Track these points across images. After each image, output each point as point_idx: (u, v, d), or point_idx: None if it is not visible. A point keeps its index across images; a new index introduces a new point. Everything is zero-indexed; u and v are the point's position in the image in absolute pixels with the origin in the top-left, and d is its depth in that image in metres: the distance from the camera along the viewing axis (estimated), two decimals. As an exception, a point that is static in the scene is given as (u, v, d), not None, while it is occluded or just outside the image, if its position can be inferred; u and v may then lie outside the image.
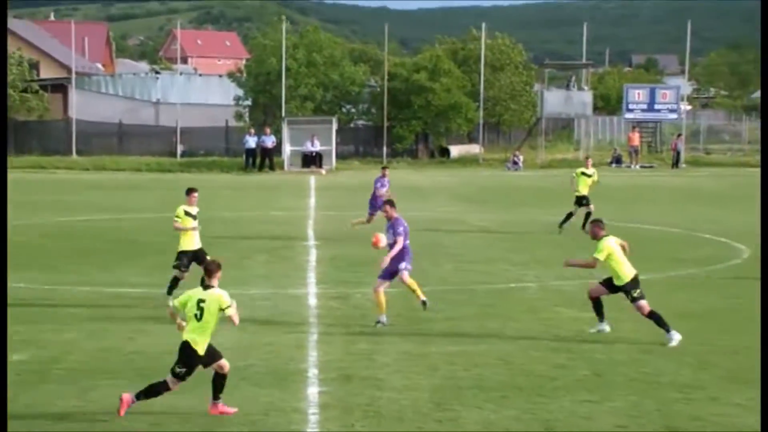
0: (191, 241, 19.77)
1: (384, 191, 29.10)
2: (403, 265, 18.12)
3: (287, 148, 58.47)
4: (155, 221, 33.24)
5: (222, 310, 12.68)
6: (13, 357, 15.29)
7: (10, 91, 64.46)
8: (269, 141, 57.31)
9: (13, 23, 79.98)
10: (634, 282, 16.79)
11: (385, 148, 62.62)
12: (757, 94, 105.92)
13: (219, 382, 12.77)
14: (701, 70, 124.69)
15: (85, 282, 21.88)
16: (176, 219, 19.81)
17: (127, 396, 12.46)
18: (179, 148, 62.84)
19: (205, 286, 12.91)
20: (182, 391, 13.58)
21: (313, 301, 20.27)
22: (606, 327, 17.23)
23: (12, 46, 68.01)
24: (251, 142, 57.57)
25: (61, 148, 63.21)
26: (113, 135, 65.71)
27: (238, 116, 64.86)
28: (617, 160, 63.79)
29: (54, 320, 18.00)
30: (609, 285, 17.01)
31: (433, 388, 13.94)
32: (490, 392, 13.67)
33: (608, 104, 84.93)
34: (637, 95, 67.32)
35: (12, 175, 53.80)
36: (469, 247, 28.17)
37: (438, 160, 63.95)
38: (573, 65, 75.54)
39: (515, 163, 60.85)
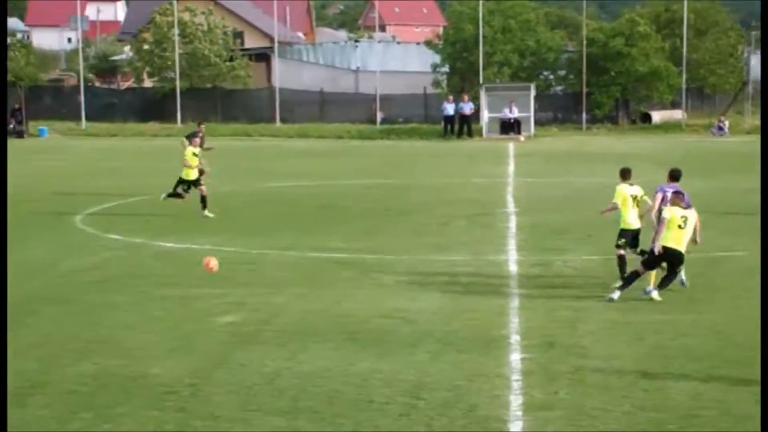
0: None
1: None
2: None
3: (485, 115, 58.32)
4: (357, 187, 33.80)
5: None
6: (225, 318, 15.86)
7: (216, 60, 66.38)
8: (467, 108, 57.29)
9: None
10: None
11: (584, 114, 61.79)
12: None
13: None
14: None
15: (292, 246, 22.44)
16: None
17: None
18: (379, 116, 63.51)
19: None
20: (386, 354, 13.84)
21: (513, 268, 20.25)
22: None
23: (216, 16, 69.94)
24: (449, 109, 57.68)
25: (266, 116, 64.75)
26: (315, 103, 66.90)
27: (436, 83, 65.03)
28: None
29: (264, 284, 18.54)
30: None
31: (638, 357, 13.77)
32: (699, 362, 13.41)
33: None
34: None
35: (220, 142, 55.57)
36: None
37: (639, 126, 62.67)
38: (782, 26, 72.61)
39: (720, 128, 59.10)
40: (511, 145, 52.19)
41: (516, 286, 18.50)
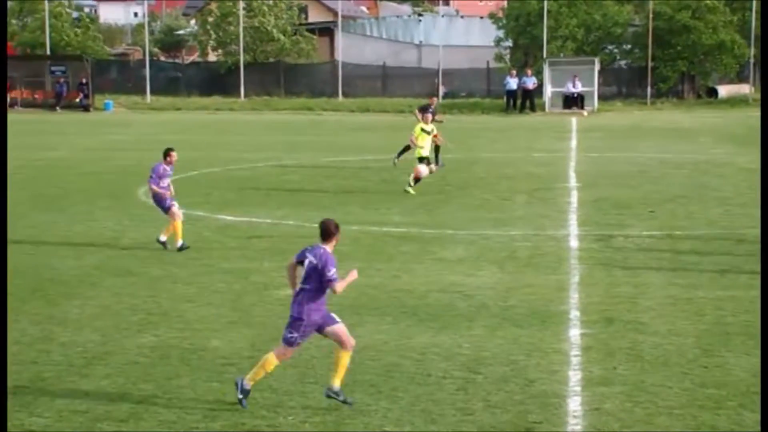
0: None
1: None
2: None
3: (548, 89, 57.93)
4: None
5: None
6: (284, 292, 15.91)
7: (280, 34, 66.58)
8: (530, 82, 56.92)
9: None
10: None
11: (649, 89, 61.12)
12: None
13: None
14: None
15: (352, 220, 22.45)
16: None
17: None
18: (441, 90, 63.34)
19: None
20: (444, 328, 13.84)
21: (574, 243, 20.12)
22: None
23: (282, -10, 70.13)
24: (512, 83, 57.34)
25: (328, 90, 64.86)
26: (377, 77, 66.89)
27: (499, 57, 64.67)
28: None
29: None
30: None
31: (698, 333, 13.65)
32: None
33: None
34: None
35: (282, 116, 55.80)
36: (738, 190, 27.23)
37: (705, 101, 61.87)
38: None
39: (788, 103, 58.18)
40: (573, 120, 51.80)
41: (576, 261, 18.38)
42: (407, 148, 29.31)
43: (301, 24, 71.11)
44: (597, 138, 42.56)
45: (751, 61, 62.02)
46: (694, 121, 50.74)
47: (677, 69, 61.81)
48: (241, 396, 10.86)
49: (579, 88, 57.30)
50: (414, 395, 11.25)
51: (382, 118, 54.80)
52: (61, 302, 15.33)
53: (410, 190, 26.23)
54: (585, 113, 55.58)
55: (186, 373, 12.00)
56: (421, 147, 26.79)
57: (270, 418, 10.62)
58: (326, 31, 72.26)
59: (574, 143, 40.86)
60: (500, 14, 67.11)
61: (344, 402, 10.89)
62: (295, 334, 10.93)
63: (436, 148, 29.38)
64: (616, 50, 65.50)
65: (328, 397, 10.95)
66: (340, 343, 11.07)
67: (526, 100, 57.11)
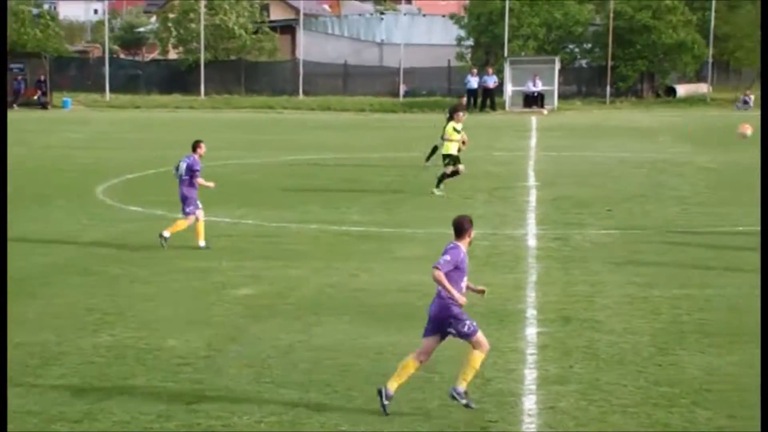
0: None
1: None
2: None
3: (509, 88, 58.14)
4: (378, 160, 33.76)
5: None
6: (242, 291, 15.91)
7: (241, 31, 66.35)
8: (491, 81, 57.10)
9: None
10: None
11: (608, 88, 61.46)
12: None
13: None
14: None
15: (311, 219, 22.46)
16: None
17: None
18: (402, 89, 63.39)
19: None
20: (401, 328, 13.85)
21: (532, 242, 20.22)
22: None
23: (243, -12, 69.96)
24: (473, 82, 57.47)
25: (289, 89, 64.75)
26: (338, 76, 66.85)
27: (460, 56, 64.80)
28: None
29: (281, 257, 18.58)
30: None
31: (654, 331, 13.74)
32: (715, 337, 13.38)
33: None
34: None
35: (242, 115, 55.64)
36: (696, 189, 27.46)
37: (663, 100, 62.31)
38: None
39: (745, 102, 58.64)
40: (534, 119, 52.01)
41: (534, 260, 18.47)
42: (435, 149, 29.28)
43: (262, 22, 70.90)
44: (556, 137, 42.76)
45: (710, 60, 62.48)
46: (653, 120, 51.10)
47: (637, 68, 62.23)
48: (464, 401, 10.64)
49: (539, 87, 57.55)
50: (370, 395, 11.24)
51: (343, 117, 54.79)
52: (17, 302, 15.20)
53: (436, 191, 26.06)
54: (545, 112, 55.82)
55: (141, 373, 11.95)
56: (451, 142, 26.48)
57: (225, 418, 10.59)
58: (288, 29, 72.13)
59: (533, 142, 41.04)
60: (462, 13, 67.22)
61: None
62: (467, 321, 10.78)
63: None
64: (576, 49, 65.83)
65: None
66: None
67: (486, 99, 57.27)
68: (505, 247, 19.68)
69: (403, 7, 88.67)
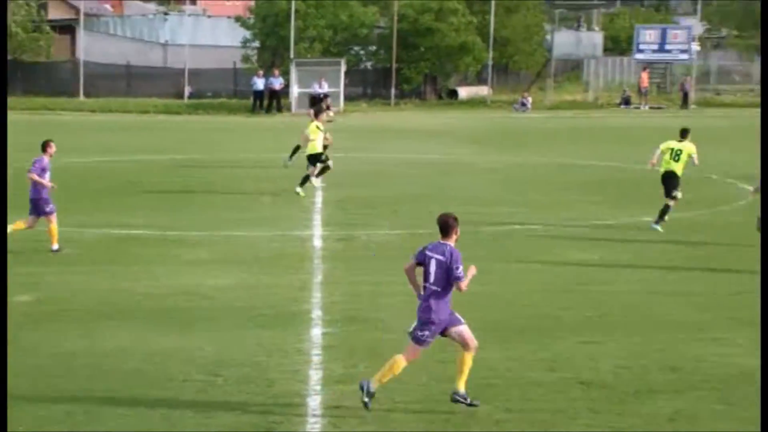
0: None
1: None
2: None
3: (295, 90, 58.27)
4: (162, 163, 33.27)
5: None
6: (20, 298, 15.39)
7: (18, 30, 64.22)
8: (277, 83, 57.12)
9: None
10: None
11: (393, 90, 62.38)
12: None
13: None
14: (714, 10, 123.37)
15: (93, 224, 21.95)
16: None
17: None
18: (187, 90, 62.65)
19: None
20: (187, 331, 13.69)
21: (318, 243, 20.32)
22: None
23: (19, -14, 67.72)
24: (259, 83, 57.36)
25: (69, 90, 63.00)
26: (121, 77, 65.49)
27: (246, 58, 64.54)
28: (626, 101, 63.48)
29: (61, 263, 18.09)
30: None
31: (436, 329, 13.99)
32: (493, 333, 13.72)
33: (618, 45, 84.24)
34: (648, 36, 66.69)
35: (18, 116, 53.80)
36: (476, 189, 28.15)
37: (445, 102, 63.68)
38: (585, 5, 74.70)
39: (523, 104, 60.59)
40: (320, 121, 52.13)
41: (320, 261, 18.57)
42: (298, 148, 29.12)
43: (41, 21, 68.77)
44: (342, 138, 42.98)
45: (490, 63, 64.19)
46: (436, 121, 52.12)
47: (420, 70, 63.37)
48: (366, 399, 10.66)
49: (325, 88, 57.87)
50: (154, 399, 11.08)
51: (127, 119, 53.74)
52: None
53: (299, 191, 26.09)
54: (331, 113, 56.10)
55: None
56: (314, 141, 26.87)
57: None
58: (68, 28, 70.15)
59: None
60: (247, 15, 66.93)
61: (471, 405, 10.74)
62: (427, 333, 10.77)
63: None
64: (362, 51, 66.51)
65: (455, 401, 10.76)
66: (464, 345, 10.87)
67: (272, 101, 57.28)
68: (292, 248, 19.71)
69: (188, 7, 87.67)
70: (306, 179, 26.52)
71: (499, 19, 64.13)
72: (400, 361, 10.90)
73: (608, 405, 10.76)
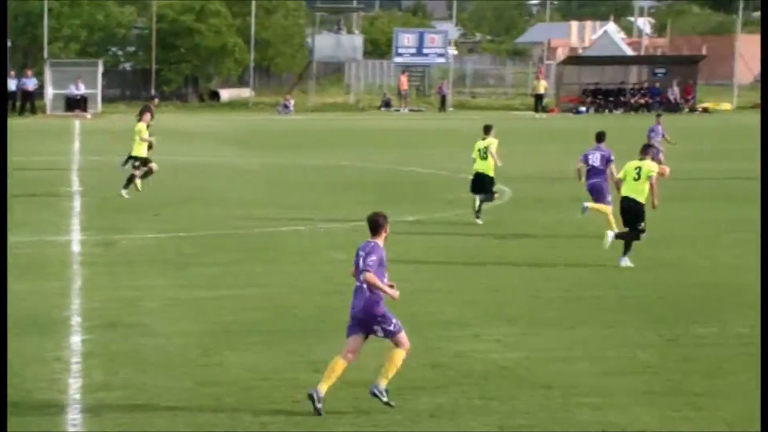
0: None
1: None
2: None
3: (50, 91, 56.58)
4: None
5: None
6: None
7: None
8: (30, 84, 55.33)
9: None
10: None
11: (153, 91, 61.35)
12: (521, 38, 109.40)
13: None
14: (468, 15, 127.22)
15: None
16: None
17: None
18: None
19: None
20: None
21: (76, 247, 19.79)
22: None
23: None
24: (11, 84, 55.38)
25: None
26: None
27: (-1, 58, 62.19)
28: (387, 104, 64.58)
29: None
30: None
31: (201, 333, 13.86)
32: (259, 335, 13.71)
33: (378, 49, 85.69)
34: (406, 40, 68.06)
35: None
36: (238, 191, 28.01)
37: (207, 104, 63.18)
38: (345, 8, 75.60)
39: (286, 106, 60.75)
40: (77, 123, 50.88)
41: (79, 266, 18.08)
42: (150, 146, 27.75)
43: None
44: (101, 141, 42.05)
45: (251, 65, 64.05)
46: (198, 124, 51.63)
47: (181, 72, 62.66)
48: (385, 399, 10.72)
49: (82, 90, 56.46)
50: None
51: None
52: None
53: (124, 193, 25.49)
54: (88, 116, 54.80)
55: None
56: (143, 143, 26.23)
57: None
58: None
59: (77, 146, 40.21)
60: (-3, 12, 64.51)
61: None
62: (393, 320, 10.84)
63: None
64: (120, 52, 65.24)
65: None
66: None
67: (26, 102, 55.48)
68: (49, 254, 19.14)
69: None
70: (131, 180, 25.82)
71: (259, 20, 64.08)
72: (399, 353, 10.89)
73: (373, 403, 10.88)
